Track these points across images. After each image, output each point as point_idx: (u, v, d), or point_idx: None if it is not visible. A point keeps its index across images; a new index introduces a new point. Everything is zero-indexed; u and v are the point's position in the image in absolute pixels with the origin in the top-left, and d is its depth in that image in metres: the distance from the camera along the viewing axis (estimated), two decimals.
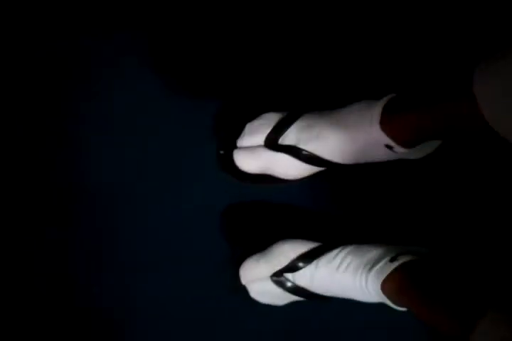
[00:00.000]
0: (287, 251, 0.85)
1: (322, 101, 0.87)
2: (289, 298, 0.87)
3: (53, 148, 0.94)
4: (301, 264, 0.84)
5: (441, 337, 0.72)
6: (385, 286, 0.77)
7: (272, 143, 0.85)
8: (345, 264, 0.81)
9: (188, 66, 0.94)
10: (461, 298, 0.71)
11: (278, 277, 0.85)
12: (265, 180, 0.88)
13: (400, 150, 0.78)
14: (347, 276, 0.81)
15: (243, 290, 0.89)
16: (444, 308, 0.71)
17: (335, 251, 0.83)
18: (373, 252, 0.81)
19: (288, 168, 0.85)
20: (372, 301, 0.81)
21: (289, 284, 0.85)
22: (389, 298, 0.77)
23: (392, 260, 0.78)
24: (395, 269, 0.76)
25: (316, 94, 0.91)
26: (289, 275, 0.85)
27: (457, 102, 0.69)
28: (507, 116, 0.62)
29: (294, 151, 0.84)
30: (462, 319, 0.66)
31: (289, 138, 0.84)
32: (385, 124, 0.76)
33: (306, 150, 0.83)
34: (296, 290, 0.85)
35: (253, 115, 0.89)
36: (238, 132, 0.88)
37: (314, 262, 0.83)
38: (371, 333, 0.91)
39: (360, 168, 0.85)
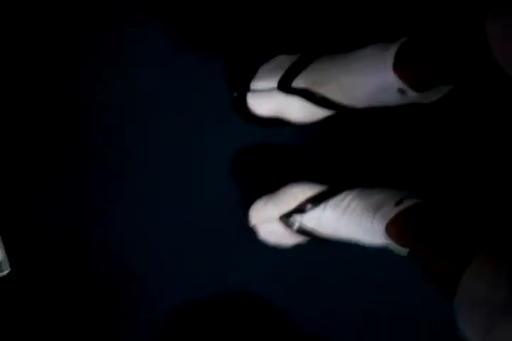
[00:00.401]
0: (296, 194, 0.87)
1: (335, 45, 0.87)
2: (296, 239, 0.89)
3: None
4: (309, 206, 0.85)
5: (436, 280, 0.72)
6: (389, 229, 0.78)
7: (286, 86, 0.85)
8: (351, 207, 0.83)
9: (199, 13, 0.93)
10: (457, 239, 0.72)
11: (287, 218, 0.87)
12: (277, 123, 0.88)
13: (412, 95, 0.78)
14: (353, 219, 0.82)
15: (253, 232, 0.90)
16: (441, 248, 0.72)
17: (342, 195, 0.85)
18: (379, 196, 0.82)
19: (301, 110, 0.86)
20: (377, 243, 0.82)
21: (297, 225, 0.87)
22: (392, 239, 0.78)
23: (397, 204, 0.79)
24: (399, 212, 0.78)
25: (329, 37, 0.91)
26: (297, 217, 0.86)
27: (469, 43, 0.68)
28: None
29: (306, 94, 0.84)
30: (456, 258, 0.67)
31: (302, 81, 0.84)
32: (399, 68, 0.76)
33: (318, 93, 0.83)
34: (303, 231, 0.87)
35: (266, 58, 0.89)
36: (251, 75, 0.88)
37: (322, 205, 0.85)
38: (374, 279, 0.93)
39: (370, 112, 0.85)
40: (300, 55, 0.87)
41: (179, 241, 0.95)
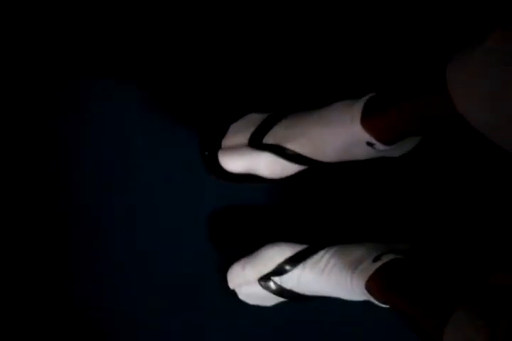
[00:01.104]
0: (274, 256, 0.86)
1: (304, 103, 0.88)
2: (277, 299, 0.88)
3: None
4: (287, 268, 0.85)
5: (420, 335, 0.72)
6: (369, 286, 0.78)
7: (256, 142, 0.86)
8: (330, 266, 0.82)
9: (170, 69, 0.94)
10: (437, 294, 0.72)
11: (265, 281, 0.86)
12: (250, 179, 0.88)
13: (381, 148, 0.79)
14: (332, 278, 0.82)
15: (232, 293, 0.89)
16: (422, 304, 0.71)
17: (320, 253, 0.84)
18: (357, 253, 0.82)
19: (272, 166, 0.86)
20: (359, 299, 0.82)
21: (276, 287, 0.86)
22: (373, 296, 0.78)
23: (375, 260, 0.79)
24: (378, 269, 0.78)
25: (299, 95, 0.92)
26: (276, 279, 0.86)
27: (432, 95, 0.69)
28: (478, 107, 0.63)
29: (278, 150, 0.84)
30: (437, 314, 0.67)
31: (273, 137, 0.85)
32: (366, 122, 0.77)
33: (289, 149, 0.84)
34: (283, 292, 0.86)
35: (237, 116, 0.90)
36: (222, 133, 0.89)
37: (301, 265, 0.84)
38: (359, 329, 0.92)
39: (343, 166, 0.85)
40: (270, 112, 0.88)
41: (159, 306, 0.94)
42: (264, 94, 0.93)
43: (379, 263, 0.78)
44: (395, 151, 0.82)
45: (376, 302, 0.79)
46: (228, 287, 0.89)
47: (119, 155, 0.94)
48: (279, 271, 0.85)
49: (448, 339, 0.63)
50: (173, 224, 0.94)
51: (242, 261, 0.88)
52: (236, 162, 0.87)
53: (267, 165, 0.86)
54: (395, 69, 0.91)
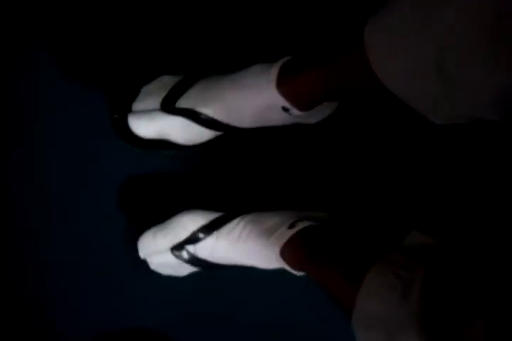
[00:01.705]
0: (187, 224, 0.84)
1: (219, 66, 0.86)
2: (191, 268, 0.87)
3: None
4: (201, 236, 0.83)
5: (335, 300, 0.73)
6: (284, 251, 0.77)
7: (169, 106, 0.83)
8: (245, 234, 0.81)
9: (85, 25, 0.91)
10: (351, 256, 0.73)
11: (178, 250, 0.84)
12: (162, 145, 0.86)
13: (296, 113, 0.78)
14: (248, 245, 0.81)
15: (143, 263, 0.87)
16: (336, 269, 0.72)
17: (235, 221, 0.83)
18: (272, 220, 0.81)
19: (185, 132, 0.84)
20: (274, 267, 0.82)
21: (189, 256, 0.85)
22: (288, 263, 0.78)
23: (290, 227, 0.79)
24: (293, 235, 0.78)
25: (213, 57, 0.90)
26: (190, 248, 0.84)
27: (347, 55, 0.69)
28: (393, 68, 0.62)
29: (191, 114, 0.82)
30: (351, 276, 0.68)
31: (186, 101, 0.83)
32: (282, 86, 0.76)
33: (203, 114, 0.82)
34: (196, 261, 0.85)
35: (148, 79, 0.87)
36: (133, 95, 0.86)
37: (215, 233, 0.83)
38: (271, 300, 0.91)
39: (258, 132, 0.84)
40: (184, 75, 0.85)
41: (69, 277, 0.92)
42: (178, 55, 0.91)
43: (294, 230, 0.78)
44: (311, 118, 0.81)
45: (291, 270, 0.78)
46: (139, 257, 0.87)
47: (26, 110, 0.91)
48: (193, 239, 0.83)
49: (360, 303, 0.63)
50: (84, 193, 0.91)
51: (153, 230, 0.86)
52: (147, 126, 0.84)
53: (179, 131, 0.84)
54: (311, 32, 0.90)
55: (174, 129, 0.84)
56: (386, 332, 0.60)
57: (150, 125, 0.84)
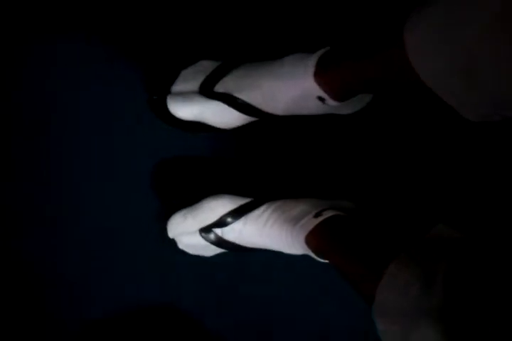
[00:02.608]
0: (216, 207, 0.86)
1: (259, 53, 0.87)
2: (217, 250, 0.88)
3: None
4: (229, 220, 0.85)
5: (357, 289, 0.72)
6: (309, 240, 0.78)
7: (207, 90, 0.84)
8: (272, 220, 0.82)
9: (123, 11, 0.92)
10: (374, 247, 0.72)
11: (206, 232, 0.86)
12: (199, 127, 0.87)
13: (331, 103, 0.78)
14: (274, 232, 0.82)
15: (172, 242, 0.89)
16: (359, 259, 0.72)
17: (262, 208, 0.84)
18: (299, 208, 0.82)
19: (222, 115, 0.85)
20: (298, 253, 0.83)
21: (216, 238, 0.86)
22: (312, 250, 0.79)
23: (316, 215, 0.79)
24: (319, 224, 0.78)
25: (254, 45, 0.91)
26: (217, 231, 0.86)
27: (388, 51, 0.68)
28: (433, 63, 0.62)
29: (228, 99, 0.83)
30: (373, 266, 0.68)
31: (224, 86, 0.84)
32: (319, 76, 0.76)
33: (240, 99, 0.82)
34: (223, 243, 0.87)
35: (189, 62, 0.88)
36: (173, 79, 0.87)
37: (243, 218, 0.84)
38: (298, 284, 0.92)
39: (293, 120, 0.85)
40: (223, 61, 0.86)
41: (100, 251, 0.93)
42: (217, 41, 0.91)
43: (320, 219, 0.78)
44: (346, 109, 0.82)
45: (315, 257, 0.79)
46: (168, 236, 0.88)
47: (65, 93, 0.92)
48: (221, 223, 0.85)
49: (381, 292, 0.63)
50: (117, 172, 0.92)
51: (184, 211, 0.88)
52: (185, 108, 0.86)
53: (217, 114, 0.85)
54: (351, 24, 0.90)
55: (211, 112, 0.85)
56: (405, 324, 0.60)
57: (188, 107, 0.85)
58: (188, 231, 0.87)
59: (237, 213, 0.85)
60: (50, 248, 0.93)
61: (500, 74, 0.57)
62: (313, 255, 0.79)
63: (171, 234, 0.88)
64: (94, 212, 0.93)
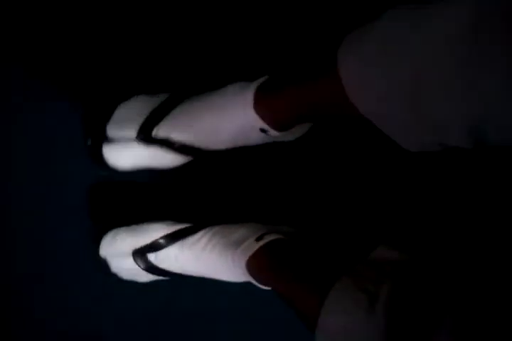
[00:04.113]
0: (151, 230, 0.85)
1: (199, 84, 0.86)
2: (149, 276, 0.87)
3: None
4: (163, 243, 0.83)
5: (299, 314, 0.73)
6: (250, 264, 0.77)
7: (145, 136, 0.82)
8: (211, 245, 0.82)
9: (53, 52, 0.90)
10: (318, 272, 0.72)
11: (140, 256, 0.85)
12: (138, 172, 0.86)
13: (274, 134, 0.77)
14: (214, 257, 0.81)
15: (105, 265, 0.87)
16: (301, 282, 0.72)
17: (200, 233, 0.83)
18: (240, 232, 0.82)
19: (162, 159, 0.83)
20: (239, 281, 0.82)
21: (147, 265, 0.85)
22: (253, 276, 0.78)
23: (257, 239, 0.79)
24: (260, 247, 0.78)
25: (192, 75, 0.90)
26: (151, 256, 0.84)
27: (323, 80, 0.68)
28: (367, 95, 0.62)
29: (167, 144, 0.82)
30: (317, 290, 0.68)
31: (162, 129, 0.82)
32: (259, 107, 0.75)
33: (179, 142, 0.81)
34: (155, 270, 0.86)
35: (123, 97, 0.85)
36: (108, 116, 0.84)
37: (179, 243, 0.83)
38: (235, 314, 0.92)
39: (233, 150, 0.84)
40: (161, 98, 0.84)
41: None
42: (154, 73, 0.89)
43: (261, 243, 0.78)
44: (288, 137, 0.81)
45: (256, 284, 0.79)
46: (100, 257, 0.87)
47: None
48: (154, 246, 0.84)
49: (326, 311, 0.64)
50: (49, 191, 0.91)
51: (115, 230, 0.87)
52: (123, 158, 0.84)
53: (156, 159, 0.83)
54: (290, 51, 0.90)
55: (151, 158, 0.83)
56: None
57: (126, 157, 0.84)
58: (120, 251, 0.85)
59: (173, 237, 0.83)
60: None
61: (446, 96, 0.57)
62: (254, 281, 0.78)
63: (102, 252, 0.86)
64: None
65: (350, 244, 0.89)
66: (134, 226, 0.86)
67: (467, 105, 0.56)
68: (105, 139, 0.84)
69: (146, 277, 0.87)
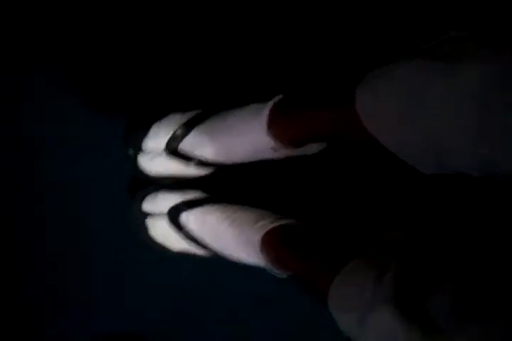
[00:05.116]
0: (188, 192, 0.93)
1: (224, 103, 0.91)
2: (181, 245, 0.94)
3: None
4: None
5: (313, 289, 0.76)
6: (264, 240, 0.83)
7: (172, 150, 0.91)
8: (235, 215, 0.88)
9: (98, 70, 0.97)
10: (332, 251, 0.77)
11: (174, 212, 0.91)
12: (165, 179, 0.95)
13: (284, 152, 0.83)
14: (234, 227, 0.87)
15: (143, 228, 0.95)
16: (313, 261, 0.77)
17: (225, 204, 0.91)
18: (261, 211, 0.88)
19: (185, 171, 0.92)
20: (253, 261, 0.86)
21: (180, 224, 0.92)
22: (266, 253, 0.82)
23: (275, 220, 0.85)
24: (274, 227, 0.84)
25: (218, 95, 0.96)
26: (183, 216, 0.91)
27: (342, 108, 0.70)
28: (387, 128, 0.64)
29: (190, 158, 0.90)
30: (329, 268, 0.72)
31: (186, 144, 0.90)
32: (272, 127, 0.80)
33: (201, 157, 0.89)
34: (188, 236, 0.92)
35: (160, 115, 0.94)
36: (145, 132, 0.93)
37: (207, 206, 0.90)
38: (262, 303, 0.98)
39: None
40: (188, 116, 0.91)
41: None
42: (186, 95, 0.97)
43: (279, 222, 0.84)
44: (300, 152, 0.86)
45: (269, 265, 0.83)
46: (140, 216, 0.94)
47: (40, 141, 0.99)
48: (187, 204, 0.91)
49: (340, 282, 0.68)
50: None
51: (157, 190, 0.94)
52: (153, 167, 0.93)
53: (180, 170, 0.92)
54: (309, 74, 0.94)
55: (175, 169, 0.92)
56: (360, 310, 0.64)
57: (154, 166, 0.93)
58: (159, 209, 0.92)
59: (203, 201, 0.92)
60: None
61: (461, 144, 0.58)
62: (266, 261, 0.82)
63: (145, 209, 0.93)
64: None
65: (359, 233, 0.92)
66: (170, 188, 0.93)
67: (480, 149, 0.57)
68: (141, 150, 0.94)
69: (177, 245, 0.93)
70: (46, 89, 0.96)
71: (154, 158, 0.92)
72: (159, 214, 0.92)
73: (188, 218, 0.90)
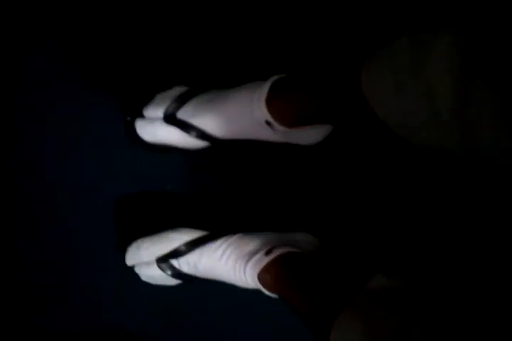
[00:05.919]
0: (173, 238, 0.89)
1: (225, 80, 0.90)
2: (176, 281, 0.91)
3: None
4: (183, 250, 0.87)
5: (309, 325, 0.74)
6: (261, 277, 0.81)
7: (169, 117, 0.89)
8: (226, 255, 0.85)
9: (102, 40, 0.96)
10: (326, 288, 0.75)
11: (163, 263, 0.88)
12: (165, 148, 0.92)
13: (279, 129, 0.81)
14: (228, 267, 0.85)
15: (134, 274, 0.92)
16: (309, 296, 0.76)
17: (218, 242, 0.87)
18: (252, 244, 0.85)
19: (182, 140, 0.90)
20: (253, 288, 0.85)
21: (173, 271, 0.89)
22: (264, 287, 0.82)
23: (267, 253, 0.82)
24: (269, 262, 0.81)
25: (221, 72, 0.95)
26: (173, 262, 0.88)
27: (344, 87, 0.71)
28: (390, 105, 0.65)
29: (186, 126, 0.88)
30: (323, 309, 0.71)
31: (184, 112, 0.88)
32: (270, 102, 0.80)
33: (194, 126, 0.87)
34: (180, 275, 0.89)
35: (164, 87, 0.92)
36: (147, 101, 0.92)
37: (198, 250, 0.87)
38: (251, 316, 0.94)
39: (254, 153, 0.90)
40: (188, 88, 0.91)
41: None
42: (192, 70, 0.95)
43: (270, 257, 0.81)
44: (301, 139, 0.85)
45: (266, 292, 0.82)
46: (126, 264, 0.91)
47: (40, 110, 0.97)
48: (176, 253, 0.87)
49: (338, 331, 0.66)
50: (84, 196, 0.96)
51: (140, 240, 0.91)
52: (149, 133, 0.91)
53: (177, 139, 0.90)
54: (312, 53, 0.93)
55: (172, 137, 0.90)
56: None
57: (151, 132, 0.91)
58: (144, 260, 0.90)
59: (193, 244, 0.87)
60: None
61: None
62: (264, 291, 0.82)
63: (128, 262, 0.91)
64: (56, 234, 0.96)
65: (356, 255, 0.90)
66: (156, 235, 0.90)
67: (463, 121, 0.59)
68: (140, 116, 0.92)
69: (175, 281, 0.91)
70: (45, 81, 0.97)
71: (153, 123, 0.91)
72: (145, 264, 0.91)
73: (179, 265, 0.89)
